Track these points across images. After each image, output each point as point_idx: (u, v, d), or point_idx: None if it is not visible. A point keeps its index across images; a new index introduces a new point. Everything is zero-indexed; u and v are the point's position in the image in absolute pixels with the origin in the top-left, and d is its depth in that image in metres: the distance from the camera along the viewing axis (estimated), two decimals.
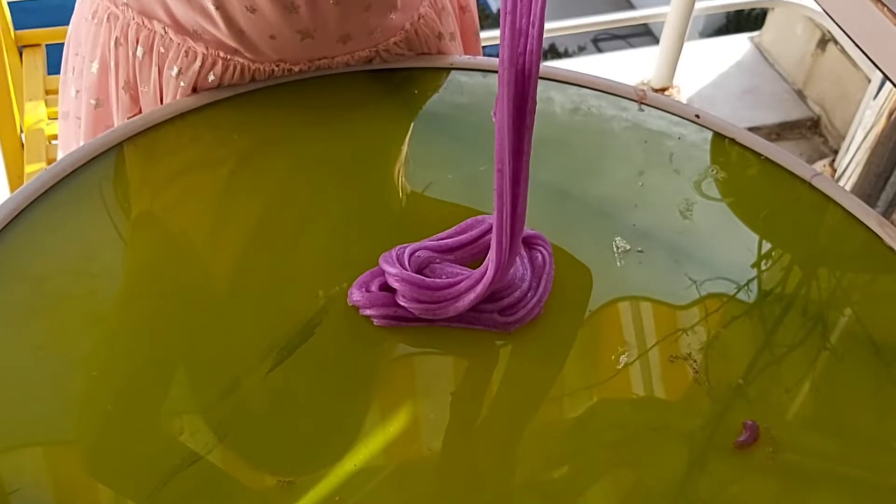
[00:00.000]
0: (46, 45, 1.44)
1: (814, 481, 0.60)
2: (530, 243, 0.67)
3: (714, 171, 0.79)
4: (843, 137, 2.03)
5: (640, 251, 0.71)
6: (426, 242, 0.66)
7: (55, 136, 1.29)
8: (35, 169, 1.22)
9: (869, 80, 1.95)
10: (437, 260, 0.66)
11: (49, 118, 1.29)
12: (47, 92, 1.33)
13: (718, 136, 0.82)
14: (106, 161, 0.73)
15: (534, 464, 0.59)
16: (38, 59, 1.41)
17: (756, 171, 0.80)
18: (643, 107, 0.84)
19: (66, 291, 0.65)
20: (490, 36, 2.03)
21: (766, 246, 0.74)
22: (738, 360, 0.65)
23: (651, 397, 0.63)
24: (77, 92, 0.88)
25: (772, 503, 0.58)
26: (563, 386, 0.63)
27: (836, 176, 1.54)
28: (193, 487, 0.55)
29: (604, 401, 0.62)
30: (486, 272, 0.61)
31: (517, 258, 0.66)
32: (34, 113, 1.27)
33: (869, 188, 1.38)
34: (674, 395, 0.64)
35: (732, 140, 0.81)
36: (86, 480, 0.55)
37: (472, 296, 0.62)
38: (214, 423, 0.57)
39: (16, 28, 1.42)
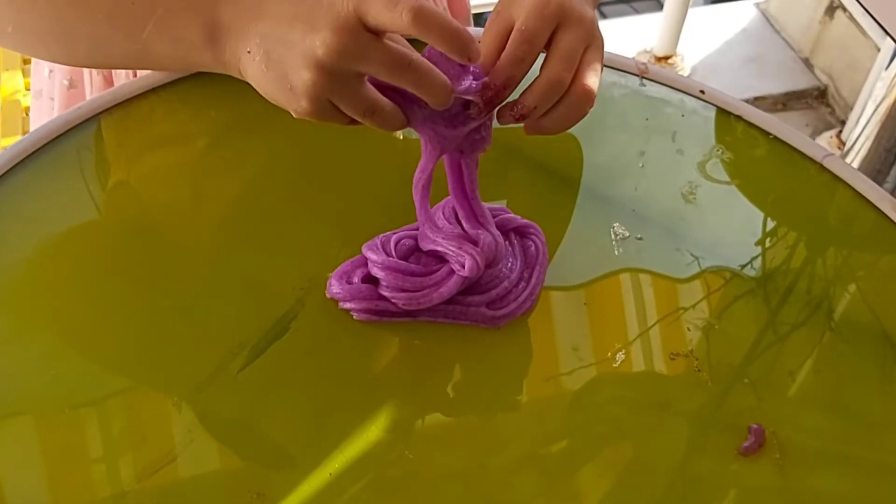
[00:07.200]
0: None
1: (815, 461, 0.58)
2: (523, 232, 0.64)
3: (720, 152, 0.75)
4: (850, 108, 1.98)
5: (640, 238, 0.67)
6: (412, 230, 0.62)
7: None
8: (11, 142, 1.17)
9: (878, 49, 1.90)
10: None
11: (26, 89, 1.24)
12: (24, 62, 1.28)
13: (724, 113, 0.78)
14: (73, 138, 0.69)
15: (531, 441, 0.56)
16: None
17: (764, 150, 0.75)
18: (645, 81, 0.79)
19: (27, 282, 0.61)
20: (480, 3, 1.98)
21: (776, 233, 0.70)
22: (740, 347, 0.62)
23: (651, 374, 0.61)
24: (50, 71, 0.84)
25: (772, 481, 0.56)
26: (555, 384, 0.59)
27: (845, 150, 1.50)
28: (154, 499, 0.51)
29: (601, 384, 0.59)
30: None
31: (508, 246, 0.62)
32: (10, 83, 1.22)
33: (878, 163, 1.34)
34: (675, 376, 0.61)
35: (738, 117, 0.77)
36: (44, 486, 0.52)
37: (455, 279, 0.58)
38: (179, 427, 0.54)
39: None
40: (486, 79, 0.54)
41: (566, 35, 0.56)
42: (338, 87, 0.50)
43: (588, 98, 0.57)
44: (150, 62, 0.61)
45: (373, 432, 0.55)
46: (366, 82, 0.51)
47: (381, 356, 0.59)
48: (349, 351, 0.59)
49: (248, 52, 0.52)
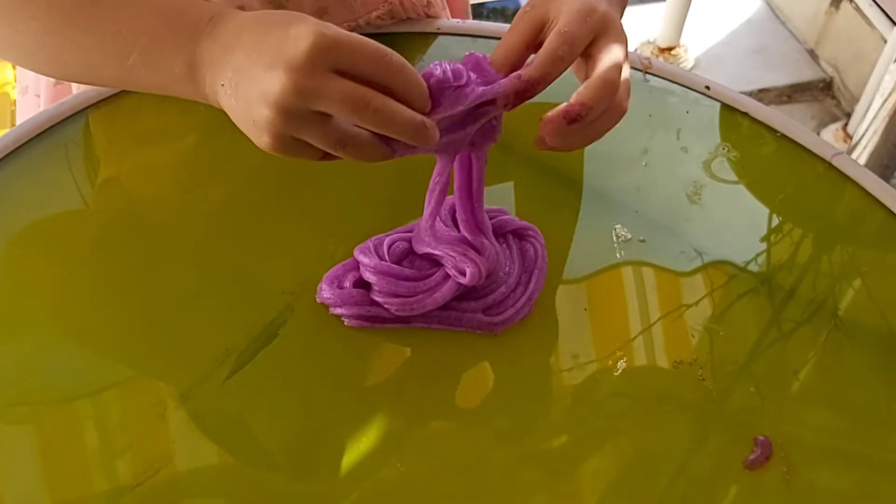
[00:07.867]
0: None
1: (820, 459, 0.57)
2: (521, 235, 0.61)
3: (725, 150, 0.72)
4: (856, 100, 1.96)
5: (643, 241, 0.65)
6: (406, 232, 0.60)
7: None
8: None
9: (885, 40, 1.87)
10: None
11: (16, 81, 1.22)
12: None
13: (730, 110, 0.75)
14: (61, 132, 0.68)
15: (532, 442, 0.55)
16: None
17: (771, 149, 0.73)
18: (648, 77, 0.77)
19: (8, 280, 0.59)
20: None
21: (782, 231, 0.68)
22: (744, 348, 0.60)
23: (654, 381, 0.59)
24: None
25: (775, 478, 0.55)
26: (555, 391, 0.57)
27: (852, 144, 1.47)
28: None
29: (602, 391, 0.57)
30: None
31: (505, 249, 0.60)
32: (0, 75, 1.21)
33: (886, 158, 1.32)
34: (677, 383, 0.59)
35: (745, 114, 0.75)
36: (23, 490, 0.50)
37: (450, 283, 0.56)
38: (161, 441, 0.52)
39: None
40: (520, 71, 0.52)
41: (611, 43, 0.54)
42: (297, 124, 0.48)
43: (621, 114, 0.55)
44: (139, 87, 0.59)
45: (364, 443, 0.53)
46: (332, 116, 0.49)
47: (373, 363, 0.57)
48: (341, 358, 0.57)
49: (222, 84, 0.51)
